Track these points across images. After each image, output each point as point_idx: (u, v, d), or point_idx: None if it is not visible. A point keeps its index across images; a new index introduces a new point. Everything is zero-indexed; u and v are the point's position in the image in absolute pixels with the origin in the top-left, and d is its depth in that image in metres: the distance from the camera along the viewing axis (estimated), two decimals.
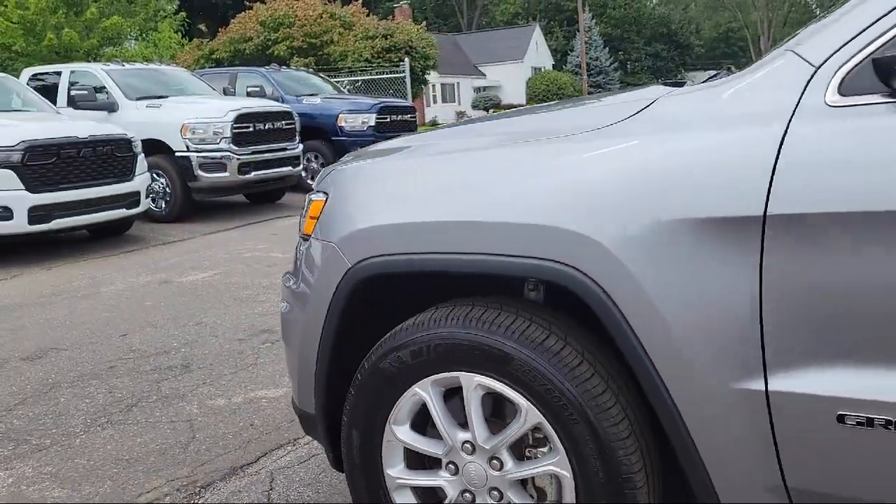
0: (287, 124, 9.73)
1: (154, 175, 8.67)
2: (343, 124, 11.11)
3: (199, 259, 6.68)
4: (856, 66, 1.32)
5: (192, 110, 9.00)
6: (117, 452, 2.82)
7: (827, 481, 1.37)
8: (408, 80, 15.24)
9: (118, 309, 4.99)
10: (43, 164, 6.70)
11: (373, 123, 11.07)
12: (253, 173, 9.05)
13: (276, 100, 11.34)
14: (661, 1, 67.05)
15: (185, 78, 10.75)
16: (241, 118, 8.99)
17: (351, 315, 1.83)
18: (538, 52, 52.15)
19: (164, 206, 8.98)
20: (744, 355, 1.38)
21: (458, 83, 48.00)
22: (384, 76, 15.94)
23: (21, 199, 6.56)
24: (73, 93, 9.28)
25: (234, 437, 2.92)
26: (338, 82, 15.04)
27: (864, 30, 1.32)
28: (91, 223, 7.38)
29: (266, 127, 9.36)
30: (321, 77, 13.35)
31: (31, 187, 6.61)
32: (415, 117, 12.32)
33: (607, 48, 51.13)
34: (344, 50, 17.10)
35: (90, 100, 9.09)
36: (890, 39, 1.27)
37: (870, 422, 1.29)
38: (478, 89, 48.84)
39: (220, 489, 2.51)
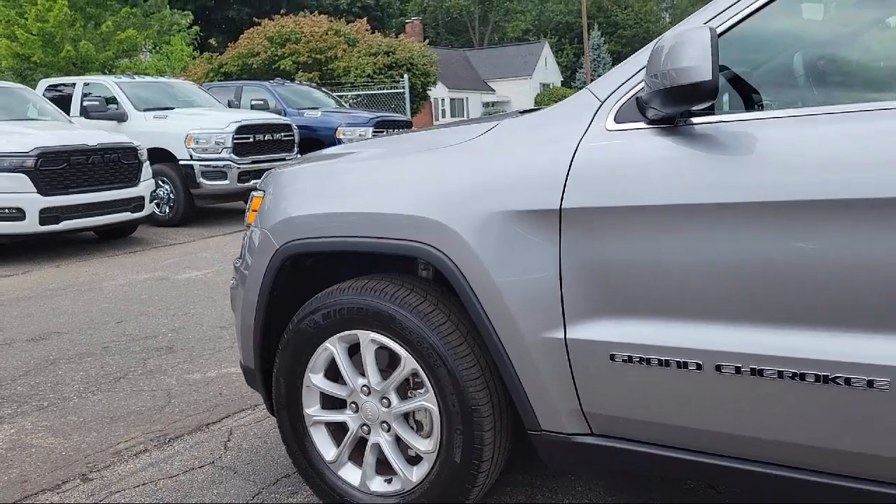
0: (286, 136, 10.28)
1: (159, 182, 9.24)
2: (341, 137, 11.64)
3: (195, 259, 7.20)
4: (626, 101, 1.81)
5: (197, 121, 9.57)
6: (104, 412, 3.32)
7: (607, 404, 1.85)
8: (407, 96, 15.83)
9: (116, 301, 5.51)
10: (54, 169, 7.26)
11: (369, 136, 11.61)
12: (252, 181, 9.56)
13: (279, 112, 11.92)
14: (673, 20, 67.65)
15: (192, 90, 11.33)
16: (242, 129, 9.55)
17: (279, 287, 2.32)
18: (547, 69, 52.81)
19: (167, 210, 9.53)
20: (550, 312, 1.86)
21: (466, 98, 48.66)
22: (385, 91, 16.54)
23: (33, 202, 7.11)
24: (85, 103, 9.89)
25: (204, 402, 3.41)
26: (341, 97, 15.62)
27: (630, 77, 1.81)
28: (98, 225, 7.93)
29: (266, 138, 9.91)
30: (323, 91, 13.93)
31: (43, 191, 7.17)
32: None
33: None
34: (347, 65, 17.74)
35: (101, 110, 9.69)
36: (644, 85, 1.75)
37: (630, 359, 1.77)
38: (486, 104, 49.46)
39: (185, 440, 3.00)
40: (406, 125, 12.81)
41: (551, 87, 50.56)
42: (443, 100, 45.14)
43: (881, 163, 1.51)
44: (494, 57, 52.73)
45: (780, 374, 1.61)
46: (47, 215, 7.23)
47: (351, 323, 2.17)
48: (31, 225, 7.16)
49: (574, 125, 1.87)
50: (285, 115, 11.86)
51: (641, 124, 1.78)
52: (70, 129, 8.29)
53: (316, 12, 20.37)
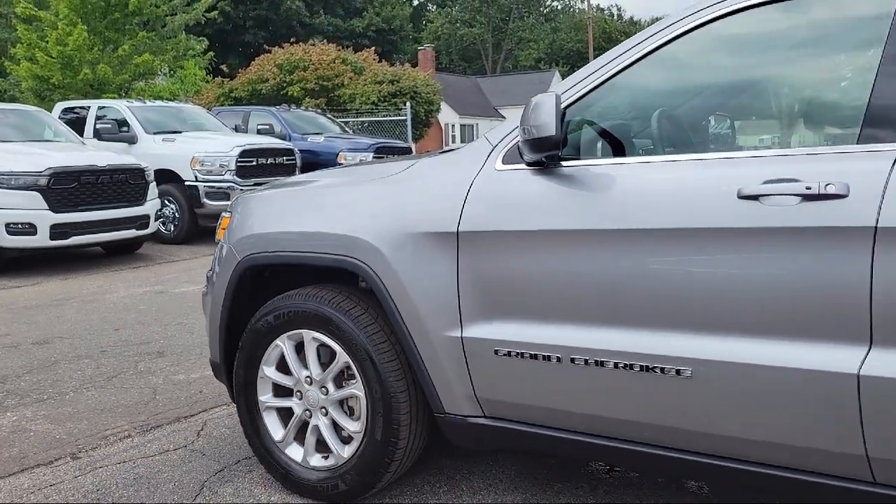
0: (288, 160, 10.80)
1: (165, 201, 9.75)
2: (343, 162, 12.14)
3: (195, 275, 7.66)
4: (511, 147, 2.25)
5: (202, 145, 10.10)
6: (95, 405, 3.75)
7: (493, 391, 2.27)
8: (408, 123, 16.40)
9: (116, 311, 5.97)
10: (65, 187, 7.77)
11: (370, 161, 12.11)
12: None
13: (284, 137, 12.46)
14: None
15: (200, 115, 11.89)
16: (246, 153, 10.07)
17: (240, 293, 2.76)
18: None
19: (172, 229, 10.03)
20: (450, 315, 2.29)
21: (476, 124, 49.27)
22: (389, 118, 17.12)
23: (44, 218, 7.61)
24: (98, 126, 10.46)
25: (185, 399, 3.84)
26: (346, 123, 16.17)
27: (515, 128, 2.25)
28: (105, 241, 8.43)
29: (268, 161, 10.43)
30: (328, 117, 14.49)
31: (54, 207, 7.67)
32: None
33: None
34: (353, 93, 18.37)
35: (113, 133, 10.25)
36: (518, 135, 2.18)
37: (509, 353, 2.19)
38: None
39: (164, 429, 3.42)
40: (405, 151, 13.31)
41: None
42: (453, 125, 45.80)
43: (686, 201, 1.94)
44: (505, 84, 53.42)
45: (616, 365, 2.03)
46: (57, 231, 7.72)
47: (297, 324, 2.60)
48: (41, 240, 7.65)
49: (471, 165, 2.31)
50: (290, 139, 12.40)
51: (522, 165, 2.22)
52: (82, 151, 8.82)
53: (324, 41, 21.04)
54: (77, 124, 10.74)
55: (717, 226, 1.89)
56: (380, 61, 20.33)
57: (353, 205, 2.53)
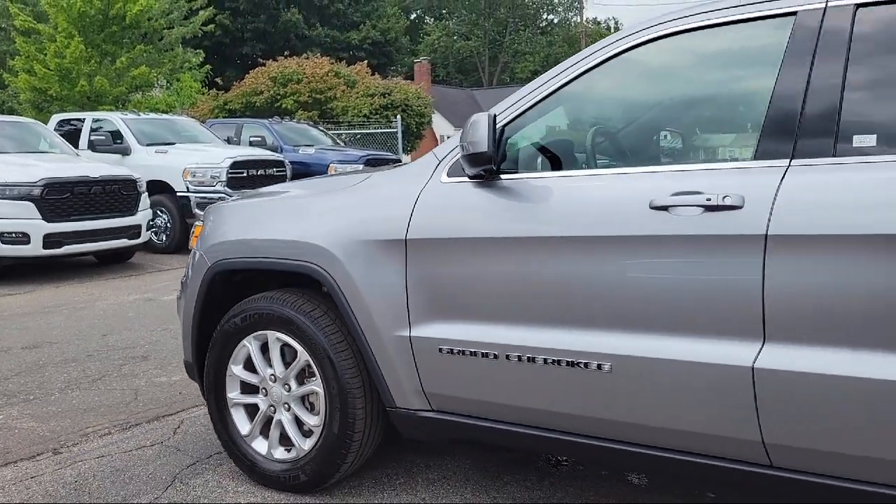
0: (278, 171, 11.00)
1: (157, 212, 9.95)
2: (333, 173, 12.36)
3: None
4: (454, 161, 2.44)
5: (194, 156, 10.31)
6: (79, 405, 3.93)
7: (439, 386, 2.45)
8: (399, 136, 16.66)
9: (105, 317, 6.15)
10: (58, 198, 7.96)
11: None
12: None
13: (276, 149, 12.67)
14: None
15: (194, 127, 12.11)
16: (236, 165, 10.28)
17: (211, 297, 2.95)
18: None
19: (164, 238, 10.22)
20: (400, 316, 2.48)
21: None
22: (380, 131, 17.38)
23: (37, 227, 7.80)
24: (92, 137, 10.66)
25: (164, 400, 4.02)
26: (339, 135, 16.40)
27: (458, 144, 2.45)
28: (97, 250, 8.62)
29: (258, 173, 10.63)
30: (320, 129, 14.72)
31: (47, 217, 7.86)
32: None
33: None
34: (345, 105, 18.65)
35: (107, 144, 10.46)
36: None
37: (451, 351, 2.38)
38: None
39: (143, 426, 3.60)
40: (394, 162, 13.52)
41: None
42: (448, 137, 46.13)
43: (606, 211, 2.14)
44: (501, 97, 52.85)
45: (545, 361, 2.22)
46: (50, 240, 7.91)
47: (262, 325, 2.79)
48: (35, 249, 7.84)
49: (419, 178, 2.51)
50: (282, 151, 12.61)
51: (465, 178, 2.42)
52: (75, 162, 9.02)
53: (318, 55, 21.30)
54: (72, 136, 10.95)
55: (632, 234, 2.09)
56: (373, 74, 20.63)
57: (314, 214, 2.72)
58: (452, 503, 2.73)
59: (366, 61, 21.39)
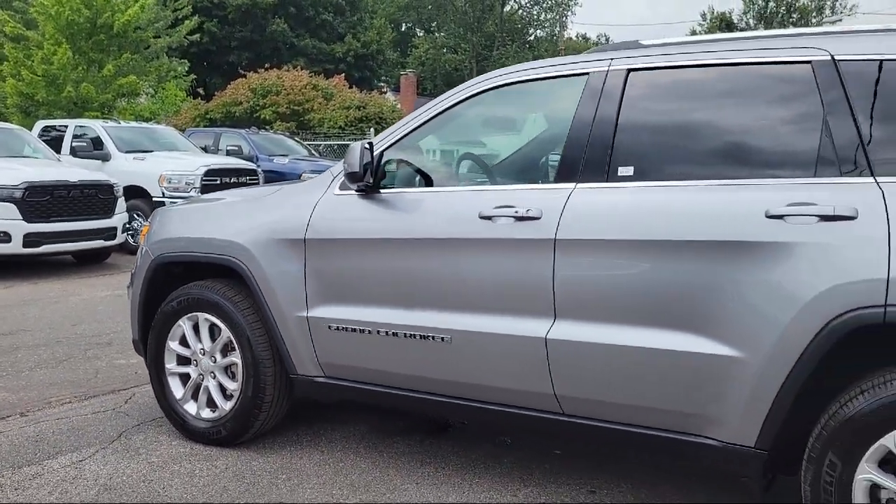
0: (251, 179, 11.59)
1: (134, 216, 10.51)
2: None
3: None
4: (342, 176, 3.08)
5: (170, 164, 10.89)
6: (46, 380, 4.52)
7: (329, 356, 3.08)
8: None
9: (77, 310, 6.73)
10: (39, 200, 8.53)
11: None
12: None
13: (251, 158, 13.27)
14: None
15: (172, 135, 12.70)
16: (210, 173, 10.87)
17: (154, 285, 3.56)
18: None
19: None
20: (299, 301, 3.10)
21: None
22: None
23: (18, 227, 8.36)
24: (74, 144, 11.24)
25: (122, 377, 4.62)
26: (316, 146, 17.03)
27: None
28: (74, 250, 9.19)
29: (231, 181, 11.20)
30: (296, 140, 15.35)
31: (28, 218, 8.42)
32: None
33: None
34: (322, 117, 19.33)
35: (88, 150, 11.04)
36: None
37: (337, 328, 3.01)
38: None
39: (100, 398, 4.19)
40: None
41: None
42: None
43: (449, 219, 2.78)
44: None
45: (405, 335, 2.85)
46: (30, 240, 8.47)
47: (194, 308, 3.41)
48: (15, 247, 8.40)
49: (318, 191, 3.15)
50: (257, 160, 13.22)
51: (352, 191, 3.05)
52: (56, 167, 9.59)
53: (301, 67, 21.93)
54: (56, 142, 11.51)
55: (466, 237, 2.73)
56: (351, 87, 21.33)
57: (237, 217, 3.35)
58: (348, 458, 3.35)
59: (343, 74, 22.09)
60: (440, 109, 2.97)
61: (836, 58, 2.29)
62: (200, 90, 24.88)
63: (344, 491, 3.00)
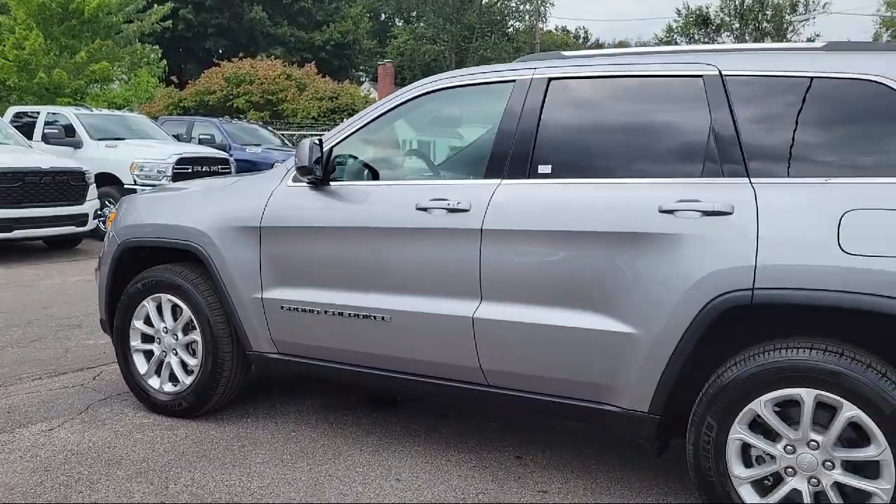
0: (223, 168, 11.77)
1: (106, 202, 10.64)
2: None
3: None
4: (295, 169, 3.35)
5: (142, 151, 11.05)
6: (18, 359, 4.75)
7: (282, 334, 3.35)
8: None
9: (49, 294, 6.93)
10: (10, 186, 8.68)
11: None
12: None
13: (224, 147, 13.44)
14: None
15: (145, 123, 12.83)
16: (182, 161, 11.04)
17: (120, 268, 3.81)
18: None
19: None
20: (254, 283, 3.37)
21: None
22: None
23: None
24: (46, 131, 11.34)
25: (90, 357, 4.86)
26: (290, 136, 17.20)
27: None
28: (46, 236, 9.34)
29: (203, 169, 11.38)
30: (269, 130, 15.52)
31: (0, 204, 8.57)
32: None
33: None
34: (295, 107, 19.50)
35: (60, 137, 11.16)
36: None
37: (289, 308, 3.29)
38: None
39: (68, 375, 4.44)
40: None
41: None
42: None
43: (388, 209, 3.07)
44: None
45: (349, 315, 3.14)
46: (2, 225, 8.62)
47: (158, 289, 3.67)
48: None
49: (273, 182, 3.42)
50: (230, 150, 13.39)
51: (304, 183, 3.32)
52: (28, 154, 9.72)
53: (277, 56, 22.03)
54: (27, 128, 11.60)
55: (404, 226, 3.02)
56: (324, 76, 21.50)
57: (198, 205, 3.61)
58: (300, 429, 3.63)
59: (319, 62, 22.23)
60: (384, 110, 3.26)
61: (723, 73, 2.61)
62: (174, 77, 24.86)
63: (293, 456, 3.29)
